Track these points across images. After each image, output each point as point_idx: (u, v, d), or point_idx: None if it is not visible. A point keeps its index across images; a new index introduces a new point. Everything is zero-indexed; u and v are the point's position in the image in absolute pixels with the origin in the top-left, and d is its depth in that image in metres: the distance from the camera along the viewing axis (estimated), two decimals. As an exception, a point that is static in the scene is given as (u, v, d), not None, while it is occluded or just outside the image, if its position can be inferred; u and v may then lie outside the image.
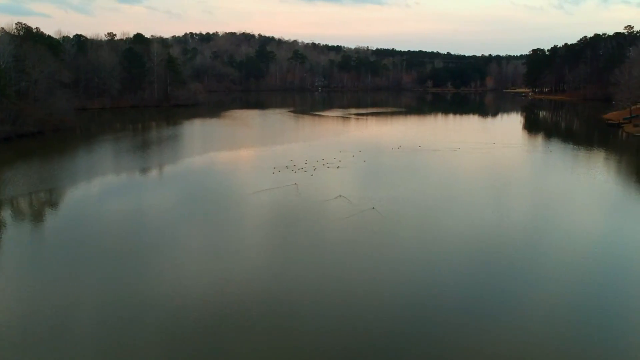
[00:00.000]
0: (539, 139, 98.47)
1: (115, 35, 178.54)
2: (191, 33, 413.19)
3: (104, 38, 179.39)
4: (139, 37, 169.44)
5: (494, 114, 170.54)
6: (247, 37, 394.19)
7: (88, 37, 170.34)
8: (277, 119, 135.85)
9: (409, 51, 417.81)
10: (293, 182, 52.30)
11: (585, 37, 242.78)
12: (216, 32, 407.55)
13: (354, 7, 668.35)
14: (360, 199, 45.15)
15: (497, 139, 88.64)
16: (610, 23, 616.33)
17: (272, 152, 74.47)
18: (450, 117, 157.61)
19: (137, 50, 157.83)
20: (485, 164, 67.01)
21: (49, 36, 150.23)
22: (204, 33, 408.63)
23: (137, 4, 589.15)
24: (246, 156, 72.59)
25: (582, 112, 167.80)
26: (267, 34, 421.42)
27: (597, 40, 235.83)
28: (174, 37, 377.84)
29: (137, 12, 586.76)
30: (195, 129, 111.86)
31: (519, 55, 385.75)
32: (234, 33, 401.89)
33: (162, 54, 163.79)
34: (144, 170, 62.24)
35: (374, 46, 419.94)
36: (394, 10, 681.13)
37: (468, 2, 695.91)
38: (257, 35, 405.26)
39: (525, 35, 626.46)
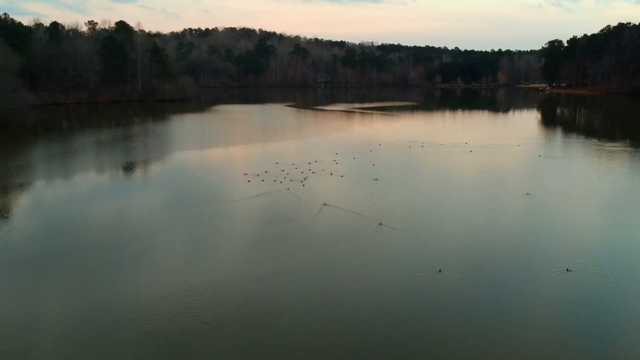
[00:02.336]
0: (586, 135, 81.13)
1: (96, 23, 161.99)
2: (190, 29, 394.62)
3: (85, 27, 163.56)
4: (121, 25, 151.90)
5: (519, 110, 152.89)
6: (247, 33, 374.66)
7: (66, 26, 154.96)
8: (274, 114, 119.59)
9: (415, 46, 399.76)
10: (268, 192, 36.33)
11: (608, 26, 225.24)
12: (215, 27, 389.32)
13: (353, 6, 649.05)
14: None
15: (550, 136, 73.45)
16: (613, 20, 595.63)
17: (257, 152, 58.12)
18: (472, 113, 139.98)
19: (118, 39, 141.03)
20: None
21: (19, 23, 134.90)
22: (203, 29, 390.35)
23: (132, 3, 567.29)
24: (221, 157, 56.25)
25: (613, 107, 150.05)
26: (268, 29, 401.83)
27: (621, 30, 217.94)
28: (172, 33, 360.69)
29: (132, 11, 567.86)
30: (174, 126, 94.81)
31: (528, 50, 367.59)
32: (234, 28, 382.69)
33: (146, 43, 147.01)
34: (84, 178, 46.11)
35: (378, 42, 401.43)
36: (392, 7, 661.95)
37: (464, 0, 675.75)
38: (257, 30, 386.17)
39: (528, 33, 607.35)
